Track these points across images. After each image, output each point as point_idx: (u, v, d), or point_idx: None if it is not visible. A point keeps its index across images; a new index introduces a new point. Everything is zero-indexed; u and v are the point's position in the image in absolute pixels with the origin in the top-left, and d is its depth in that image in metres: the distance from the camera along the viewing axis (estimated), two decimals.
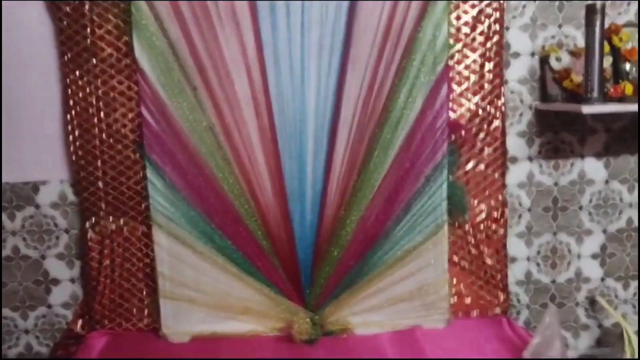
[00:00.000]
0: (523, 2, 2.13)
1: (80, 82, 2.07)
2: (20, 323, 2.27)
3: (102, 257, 2.16)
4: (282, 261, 2.11)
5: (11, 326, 2.27)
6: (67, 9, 2.03)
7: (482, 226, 2.19)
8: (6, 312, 2.26)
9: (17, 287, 2.25)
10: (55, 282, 2.25)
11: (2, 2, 2.07)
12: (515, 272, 2.29)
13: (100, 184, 2.13)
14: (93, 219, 2.15)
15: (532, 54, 2.16)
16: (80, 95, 2.08)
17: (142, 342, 2.11)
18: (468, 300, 2.20)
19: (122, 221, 2.16)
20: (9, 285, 2.25)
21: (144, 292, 2.18)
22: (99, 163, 2.12)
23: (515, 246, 2.27)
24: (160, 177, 2.06)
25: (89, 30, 2.03)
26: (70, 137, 2.11)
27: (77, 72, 2.07)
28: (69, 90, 2.08)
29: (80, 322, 2.22)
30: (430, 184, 2.07)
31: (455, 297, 2.20)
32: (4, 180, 2.18)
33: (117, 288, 2.17)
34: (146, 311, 2.19)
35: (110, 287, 2.17)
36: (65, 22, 2.04)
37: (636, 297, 2.33)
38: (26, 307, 2.26)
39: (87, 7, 2.02)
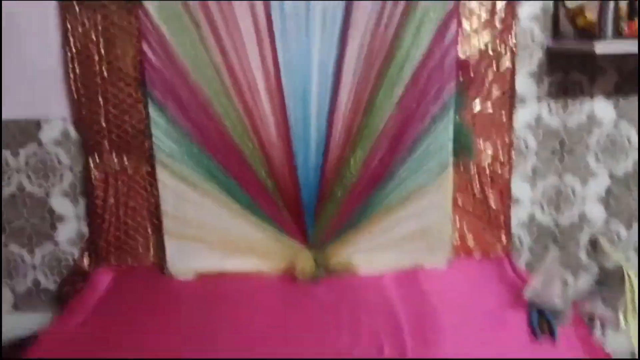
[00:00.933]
0: None
1: (79, 17, 2.02)
2: (27, 259, 2.31)
3: (107, 195, 2.17)
4: (285, 200, 2.11)
5: (19, 262, 2.31)
6: None
7: (487, 168, 2.17)
8: (14, 248, 2.29)
9: (23, 224, 2.27)
10: (61, 219, 2.27)
11: None
12: (518, 214, 2.28)
13: (102, 121, 2.12)
14: (96, 157, 2.15)
15: None
16: (80, 30, 2.04)
17: (148, 279, 2.15)
18: (471, 242, 2.22)
19: (125, 159, 2.15)
20: (15, 222, 2.27)
21: (149, 230, 2.20)
22: (100, 100, 2.10)
23: (519, 188, 2.26)
24: (163, 115, 2.04)
25: None
26: (71, 75, 2.08)
27: (77, 6, 2.02)
28: (68, 25, 2.03)
29: (86, 258, 2.25)
30: (436, 124, 2.04)
31: (458, 238, 2.21)
32: (4, 117, 2.16)
33: (122, 225, 2.19)
34: (151, 249, 2.21)
35: (116, 224, 2.19)
36: None
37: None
38: (33, 243, 2.29)
39: None
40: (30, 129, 2.18)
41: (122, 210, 2.19)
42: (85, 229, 2.27)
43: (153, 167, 2.10)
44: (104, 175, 2.16)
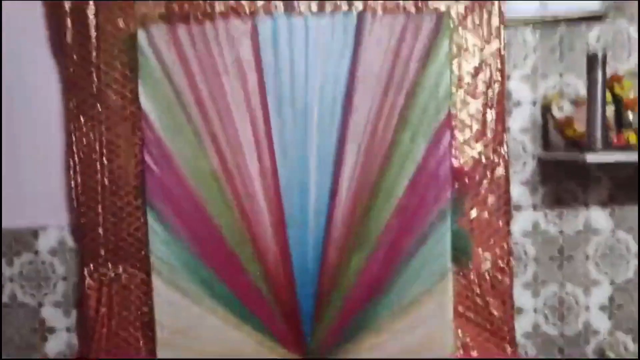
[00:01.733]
0: (524, 53, 2.16)
1: (84, 129, 2.09)
2: None
3: (100, 305, 2.12)
4: (282, 309, 2.07)
5: None
6: (74, 56, 2.06)
7: (487, 275, 2.15)
8: None
9: (14, 335, 2.20)
10: (52, 330, 2.20)
11: (5, 46, 2.10)
12: (521, 324, 2.23)
13: (100, 230, 2.12)
14: (91, 265, 2.12)
15: (534, 103, 2.17)
16: (84, 141, 2.09)
17: None
18: (474, 353, 2.14)
19: (120, 268, 2.13)
20: (6, 333, 2.20)
21: (141, 342, 2.12)
22: (99, 209, 2.11)
23: (521, 297, 2.22)
24: (161, 223, 2.05)
25: (95, 77, 2.06)
26: (72, 183, 2.11)
27: (82, 119, 2.08)
28: (73, 137, 2.09)
29: None
30: (434, 231, 2.05)
31: (461, 349, 2.14)
32: (4, 225, 2.16)
33: (113, 337, 2.12)
34: None
35: (107, 336, 2.12)
36: (71, 69, 2.07)
37: None
38: (21, 357, 2.21)
39: (94, 54, 2.06)
40: (27, 238, 2.17)
41: (115, 321, 2.12)
42: (75, 341, 2.19)
43: (149, 275, 2.08)
44: (98, 284, 2.12)
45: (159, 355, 2.07)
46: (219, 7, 2.04)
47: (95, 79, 2.06)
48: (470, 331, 2.14)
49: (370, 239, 2.04)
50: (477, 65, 2.09)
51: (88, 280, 2.12)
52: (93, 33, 2.05)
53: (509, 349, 2.14)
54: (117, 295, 2.13)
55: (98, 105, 2.08)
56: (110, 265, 2.13)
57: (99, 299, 2.12)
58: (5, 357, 2.20)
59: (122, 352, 2.12)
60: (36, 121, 2.13)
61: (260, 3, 2.05)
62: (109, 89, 2.06)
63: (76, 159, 2.10)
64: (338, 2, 2.05)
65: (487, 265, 2.15)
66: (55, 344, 2.20)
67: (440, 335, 2.08)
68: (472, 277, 2.14)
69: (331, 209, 2.05)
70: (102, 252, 2.12)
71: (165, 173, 2.04)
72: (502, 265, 2.13)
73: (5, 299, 2.19)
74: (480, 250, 2.14)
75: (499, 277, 2.15)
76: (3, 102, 2.12)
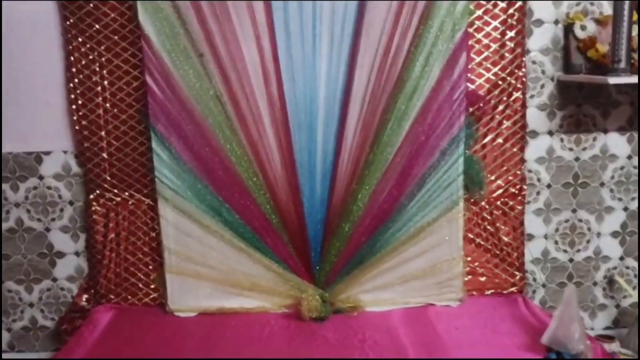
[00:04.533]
0: None
1: (83, 49, 2.01)
2: (24, 296, 2.24)
3: (107, 230, 2.12)
4: (291, 237, 2.05)
5: (16, 299, 2.24)
6: None
7: (499, 202, 2.11)
8: (10, 285, 2.23)
9: (21, 260, 2.21)
10: (60, 255, 2.21)
11: None
12: (532, 250, 2.21)
13: (104, 155, 2.08)
14: (97, 191, 2.10)
15: (556, 22, 2.06)
16: (83, 62, 2.02)
17: (148, 317, 2.07)
18: (483, 279, 2.14)
19: (127, 194, 2.11)
20: (12, 258, 2.21)
21: (150, 267, 2.13)
22: (103, 133, 2.07)
23: (532, 223, 2.19)
24: (166, 148, 2.00)
25: None
26: (73, 106, 2.05)
27: (80, 38, 2.00)
28: (72, 57, 2.01)
29: (85, 296, 2.18)
30: (445, 157, 2.00)
31: (470, 275, 2.13)
32: (5, 150, 2.12)
33: (122, 262, 2.13)
34: (152, 286, 2.14)
35: (116, 261, 2.13)
36: None
37: None
38: (31, 280, 2.23)
39: None
40: (31, 163, 2.14)
41: (123, 246, 2.13)
42: (84, 265, 2.21)
43: (155, 201, 2.06)
44: (104, 209, 2.11)
45: (168, 280, 2.07)
46: None
47: None
48: (479, 257, 2.13)
49: (381, 165, 1.99)
50: None
51: (95, 206, 2.10)
52: None
53: (517, 275, 2.13)
54: (124, 220, 2.12)
55: (96, 24, 1.98)
56: (116, 190, 2.10)
57: (107, 225, 2.12)
58: (16, 282, 2.22)
59: (131, 276, 2.13)
60: (34, 43, 2.05)
61: None
62: (106, 6, 1.97)
63: (76, 81, 2.03)
64: None
65: (499, 192, 2.11)
66: (64, 268, 2.22)
67: (449, 261, 2.06)
68: (483, 204, 2.11)
69: (340, 133, 1.98)
70: (108, 178, 2.10)
71: (168, 96, 1.97)
72: (514, 192, 2.09)
73: (12, 224, 2.19)
74: (492, 177, 2.09)
75: (511, 204, 2.11)
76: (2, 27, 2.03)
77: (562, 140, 2.14)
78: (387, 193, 2.01)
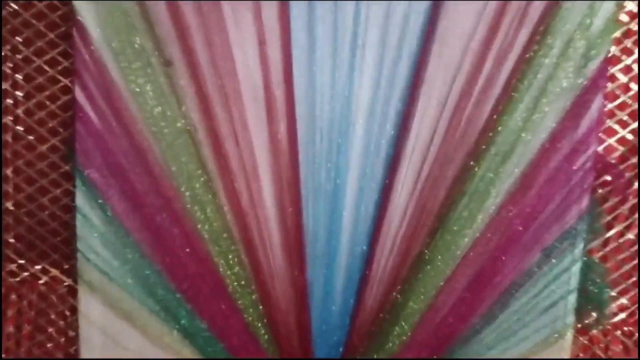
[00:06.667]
0: None
1: None
2: None
3: (5, 319, 1.43)
4: None
5: None
6: None
7: (618, 332, 1.43)
8: None
9: None
10: None
11: None
12: None
13: (9, 204, 1.40)
14: None
15: None
16: None
17: None
18: None
19: (38, 267, 1.44)
20: None
21: None
22: (9, 172, 1.39)
23: None
24: (99, 207, 1.32)
25: None
26: None
27: None
28: None
29: None
30: (551, 261, 1.32)
31: None
32: None
33: None
34: None
35: None
36: None
37: None
38: None
39: None
40: None
41: (24, 349, 1.45)
42: None
43: (74, 288, 1.39)
44: (4, 289, 1.44)
45: None
46: None
47: None
48: None
49: (443, 266, 1.31)
50: None
51: None
52: None
53: None
54: (30, 308, 1.47)
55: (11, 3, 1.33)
56: (22, 261, 1.44)
57: (4, 312, 1.45)
58: None
59: None
60: None
61: None
62: None
63: None
64: None
65: (621, 316, 1.43)
66: None
67: None
68: (594, 332, 1.42)
69: (382, 207, 1.31)
70: (11, 240, 1.43)
71: (109, 125, 1.30)
72: None
73: None
74: (614, 292, 1.42)
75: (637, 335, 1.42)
76: None
77: None
78: (449, 311, 1.32)
